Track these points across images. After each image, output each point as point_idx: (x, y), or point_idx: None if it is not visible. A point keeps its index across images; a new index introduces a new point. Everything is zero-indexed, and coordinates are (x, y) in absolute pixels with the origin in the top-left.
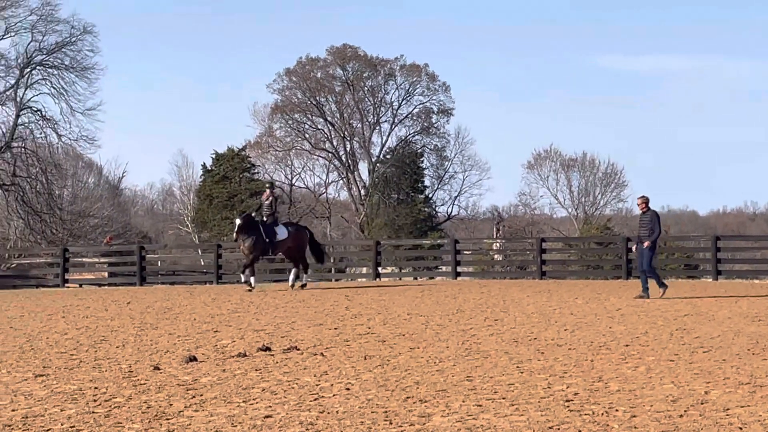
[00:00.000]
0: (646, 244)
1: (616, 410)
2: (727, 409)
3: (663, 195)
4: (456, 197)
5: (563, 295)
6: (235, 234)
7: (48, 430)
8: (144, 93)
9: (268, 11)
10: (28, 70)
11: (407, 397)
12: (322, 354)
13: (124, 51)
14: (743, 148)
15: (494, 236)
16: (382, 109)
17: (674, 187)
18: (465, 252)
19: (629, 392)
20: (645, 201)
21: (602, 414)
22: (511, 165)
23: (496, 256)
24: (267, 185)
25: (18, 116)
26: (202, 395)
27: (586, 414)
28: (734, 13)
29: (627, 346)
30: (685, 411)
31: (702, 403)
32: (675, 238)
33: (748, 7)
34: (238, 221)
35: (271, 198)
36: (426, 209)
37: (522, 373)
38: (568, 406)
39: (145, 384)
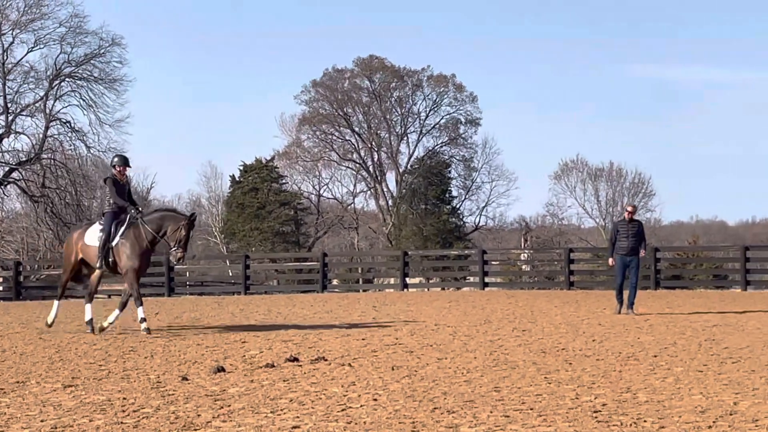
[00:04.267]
0: (642, 253)
1: (645, 421)
2: (756, 420)
3: (691, 205)
4: (483, 207)
5: (591, 305)
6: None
7: None
8: (171, 104)
9: (294, 22)
10: (57, 82)
11: (435, 408)
12: (349, 364)
13: (152, 63)
14: None
15: (522, 246)
16: (410, 119)
17: (703, 197)
18: (492, 262)
19: (658, 403)
20: (635, 209)
21: (630, 425)
22: (539, 175)
23: (523, 267)
24: (117, 159)
25: (47, 128)
26: (230, 406)
27: (614, 425)
28: (757, 27)
29: (655, 356)
30: (714, 422)
31: (731, 414)
32: (704, 249)
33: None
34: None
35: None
36: (453, 220)
37: (550, 383)
38: (596, 417)
39: (173, 394)
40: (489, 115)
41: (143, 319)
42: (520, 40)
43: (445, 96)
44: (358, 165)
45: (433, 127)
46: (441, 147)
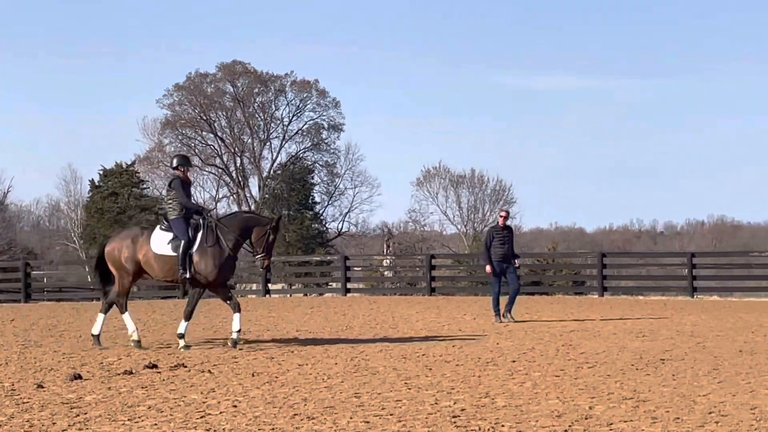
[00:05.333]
0: (517, 262)
1: (502, 426)
2: (611, 424)
3: (551, 212)
4: (346, 213)
5: (452, 311)
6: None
7: None
8: (30, 107)
9: (158, 25)
10: None
11: (295, 414)
12: (209, 371)
13: (9, 64)
14: (629, 167)
15: (384, 252)
16: (273, 124)
17: (562, 204)
18: (355, 268)
19: (515, 408)
20: (509, 214)
21: (488, 429)
22: (401, 182)
23: (386, 273)
24: (179, 159)
25: None
26: (86, 413)
27: (472, 430)
28: (621, 37)
29: (514, 361)
30: (570, 426)
31: (586, 418)
32: (562, 255)
33: (635, 31)
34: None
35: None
36: (316, 225)
37: (410, 389)
38: (454, 422)
39: (28, 402)
40: (352, 121)
41: (181, 335)
42: (383, 46)
43: (308, 101)
44: (220, 170)
45: (296, 132)
46: (304, 152)
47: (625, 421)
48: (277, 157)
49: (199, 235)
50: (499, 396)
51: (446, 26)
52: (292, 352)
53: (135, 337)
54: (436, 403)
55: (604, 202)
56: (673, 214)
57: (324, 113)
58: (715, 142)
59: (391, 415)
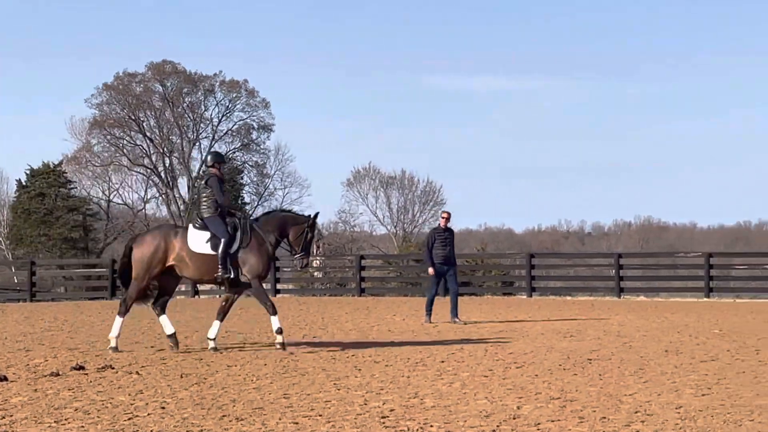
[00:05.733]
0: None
1: (431, 426)
2: (539, 424)
3: (480, 213)
4: None
5: (382, 311)
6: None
7: None
8: None
9: (86, 23)
10: None
11: (223, 416)
12: (137, 372)
13: None
14: (556, 168)
15: (314, 253)
16: (202, 125)
17: (491, 205)
18: (285, 269)
19: (444, 408)
20: (450, 216)
21: (417, 430)
22: (331, 182)
23: (315, 273)
24: (215, 156)
25: None
26: (12, 416)
27: (401, 430)
28: (550, 38)
29: (443, 362)
30: (498, 426)
31: (514, 418)
32: (491, 256)
33: (560, 32)
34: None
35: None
36: None
37: (339, 390)
38: (383, 423)
39: None
40: (282, 122)
41: (280, 330)
42: (314, 47)
43: (238, 102)
44: (149, 170)
45: (226, 132)
46: (234, 153)
47: (553, 421)
48: (206, 157)
49: (238, 234)
50: (428, 396)
51: (375, 27)
52: (221, 353)
53: (113, 344)
54: (366, 404)
55: (533, 203)
56: (600, 214)
57: (254, 113)
58: (642, 144)
59: (320, 416)
